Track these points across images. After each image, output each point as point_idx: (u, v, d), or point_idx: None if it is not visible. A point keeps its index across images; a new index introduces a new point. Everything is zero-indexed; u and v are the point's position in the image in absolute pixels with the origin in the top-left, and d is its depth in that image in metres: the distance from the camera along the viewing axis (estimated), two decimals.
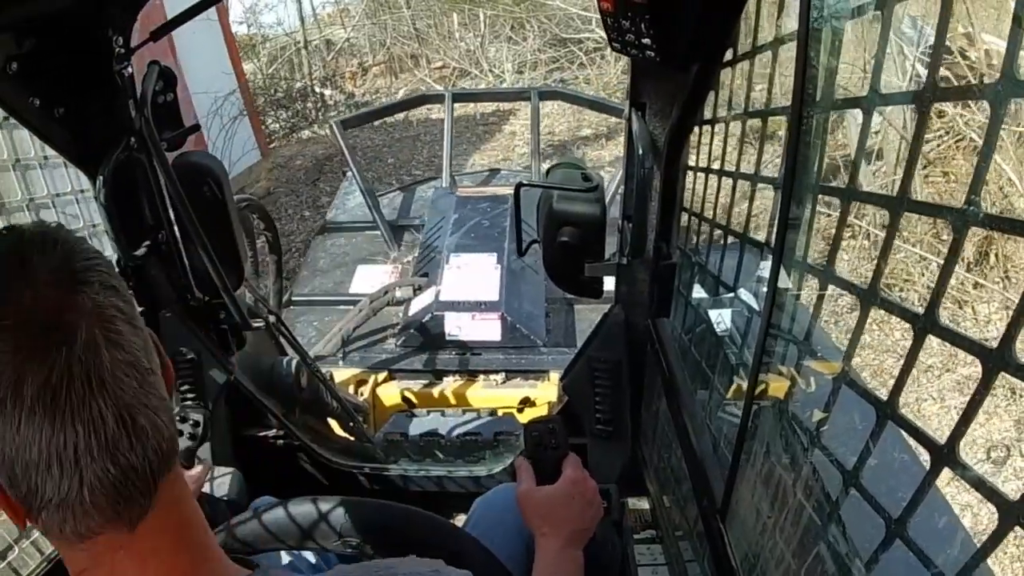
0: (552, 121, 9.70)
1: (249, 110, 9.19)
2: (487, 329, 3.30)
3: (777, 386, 1.21)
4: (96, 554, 0.78)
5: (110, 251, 1.89)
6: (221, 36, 8.76)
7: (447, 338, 3.33)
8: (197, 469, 1.89)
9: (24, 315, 0.72)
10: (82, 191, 2.03)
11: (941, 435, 0.70)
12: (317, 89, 11.17)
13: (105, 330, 0.75)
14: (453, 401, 3.14)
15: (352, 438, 2.68)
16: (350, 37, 12.37)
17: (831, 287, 0.97)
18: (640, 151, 1.67)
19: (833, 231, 0.98)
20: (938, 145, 5.74)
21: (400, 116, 9.78)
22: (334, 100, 11.09)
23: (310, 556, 1.71)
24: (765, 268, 1.30)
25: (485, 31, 11.60)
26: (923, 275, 5.08)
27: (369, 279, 3.96)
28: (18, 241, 0.79)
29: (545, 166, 2.68)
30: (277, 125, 10.49)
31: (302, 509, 1.41)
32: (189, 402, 2.15)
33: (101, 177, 1.71)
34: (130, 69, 1.69)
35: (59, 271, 0.75)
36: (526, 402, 3.10)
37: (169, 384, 0.85)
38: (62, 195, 1.97)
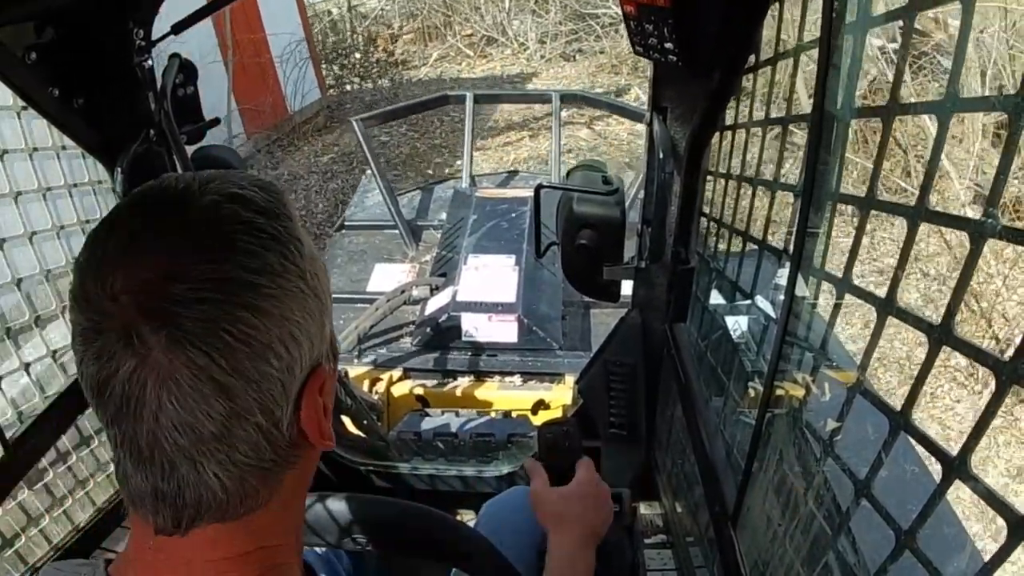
0: (570, 83, 11.03)
1: (312, 56, 10.94)
2: (503, 330, 3.30)
3: (792, 394, 1.21)
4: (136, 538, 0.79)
5: None
6: None
7: (463, 338, 3.33)
8: None
9: (91, 313, 0.69)
10: (99, 182, 2.03)
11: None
12: (360, 50, 12.57)
13: (161, 386, 0.68)
14: (467, 401, 3.14)
15: (365, 436, 2.68)
16: (384, 8, 13.43)
17: (848, 295, 0.97)
18: (661, 155, 1.67)
19: (851, 239, 0.97)
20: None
21: (434, 74, 11.98)
22: (376, 58, 12.45)
23: (320, 551, 1.72)
24: (783, 275, 1.30)
25: (511, 4, 12.60)
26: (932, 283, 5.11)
27: (386, 278, 3.96)
28: (175, 204, 0.73)
29: (565, 161, 2.68)
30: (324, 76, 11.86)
31: (311, 506, 1.41)
32: None
33: (119, 169, 1.71)
34: (150, 62, 1.70)
35: (146, 290, 0.67)
36: (540, 404, 3.09)
37: (313, 435, 0.79)
38: (79, 185, 1.98)
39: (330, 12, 12.80)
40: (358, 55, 12.38)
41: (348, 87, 11.89)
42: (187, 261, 0.69)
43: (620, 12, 1.57)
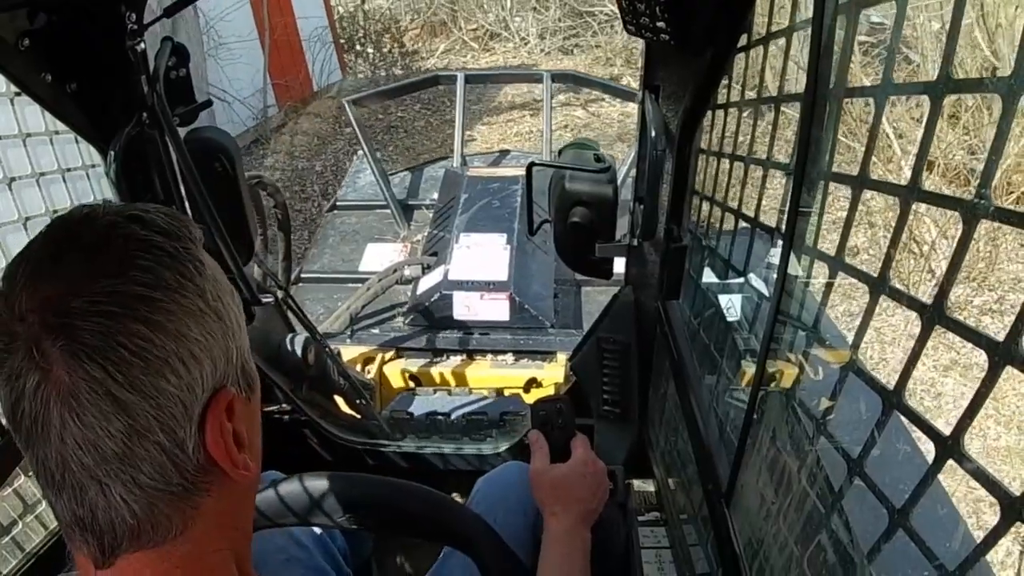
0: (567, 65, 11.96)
1: (335, 40, 11.85)
2: (495, 309, 3.30)
3: (784, 373, 1.21)
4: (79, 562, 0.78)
5: None
6: None
7: (455, 317, 3.33)
8: None
9: (1, 336, 0.71)
10: (93, 166, 2.03)
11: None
12: (371, 43, 13.27)
13: (63, 404, 0.69)
14: (459, 381, 3.14)
15: (359, 415, 2.68)
16: (391, 5, 14.13)
17: (840, 275, 0.97)
18: (653, 133, 1.66)
19: (844, 218, 0.97)
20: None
21: (441, 65, 12.70)
22: (387, 49, 13.23)
23: (316, 532, 1.73)
24: (775, 254, 1.30)
25: (512, 2, 13.37)
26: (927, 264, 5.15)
27: (378, 257, 3.95)
28: (75, 229, 0.75)
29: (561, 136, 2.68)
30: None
31: (305, 485, 1.42)
32: None
33: (112, 152, 1.71)
34: (143, 45, 1.69)
35: (48, 307, 0.69)
36: (533, 383, 3.10)
37: (223, 461, 0.78)
38: (72, 170, 1.97)
39: (338, 10, 13.32)
40: (371, 49, 13.09)
41: (362, 75, 12.58)
42: (85, 277, 0.71)
43: (615, 10, 1.56)
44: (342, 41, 12.79)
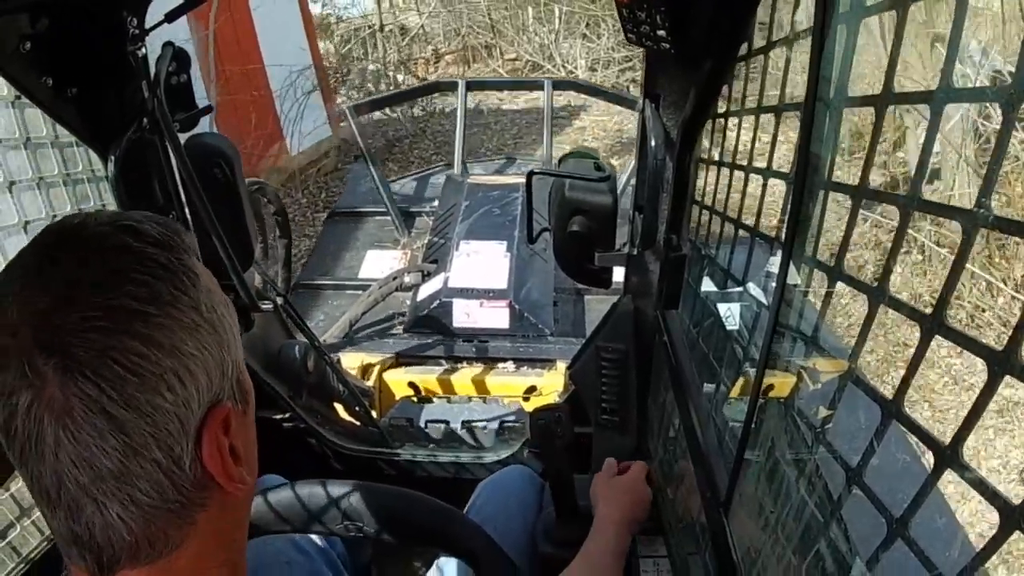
0: (622, 119, 10.38)
1: (323, 87, 9.72)
2: (495, 317, 3.30)
3: (783, 382, 1.21)
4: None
5: None
6: (298, 11, 9.27)
7: (455, 325, 3.33)
8: None
9: None
10: (93, 171, 2.03)
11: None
12: (391, 72, 11.46)
13: (56, 421, 0.68)
14: (459, 388, 3.14)
15: (358, 423, 2.68)
16: (424, 24, 12.60)
17: (840, 284, 0.97)
18: (653, 142, 1.67)
19: (844, 228, 0.97)
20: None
21: (471, 103, 11.16)
22: (408, 84, 11.31)
23: (316, 538, 1.73)
24: (775, 263, 1.30)
25: (560, 27, 11.71)
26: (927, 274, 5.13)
27: (378, 264, 3.96)
28: (67, 240, 0.74)
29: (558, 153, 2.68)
30: (348, 104, 10.73)
31: (306, 491, 1.42)
32: None
33: (113, 158, 1.71)
34: (144, 50, 1.70)
35: (40, 321, 0.68)
36: (532, 390, 3.09)
37: (219, 475, 0.77)
38: (73, 175, 1.98)
39: (371, 26, 12.13)
40: (391, 74, 11.42)
41: (373, 115, 10.33)
42: (79, 291, 0.69)
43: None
44: (351, 78, 11.00)
